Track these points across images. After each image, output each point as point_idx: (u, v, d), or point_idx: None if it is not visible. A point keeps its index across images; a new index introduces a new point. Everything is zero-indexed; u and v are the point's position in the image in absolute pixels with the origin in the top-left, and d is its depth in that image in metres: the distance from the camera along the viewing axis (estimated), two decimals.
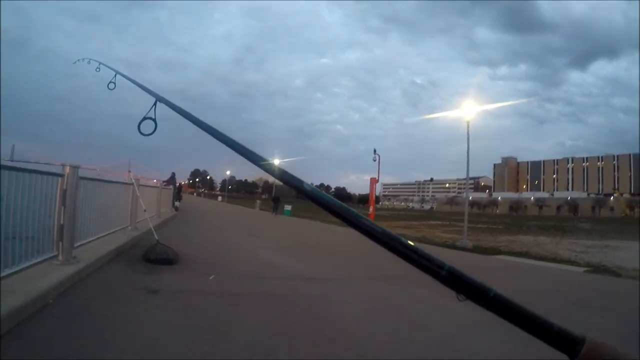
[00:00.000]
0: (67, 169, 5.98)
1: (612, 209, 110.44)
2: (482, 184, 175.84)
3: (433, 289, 5.91)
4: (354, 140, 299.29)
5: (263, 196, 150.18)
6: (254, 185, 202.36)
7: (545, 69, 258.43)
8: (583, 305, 7.31)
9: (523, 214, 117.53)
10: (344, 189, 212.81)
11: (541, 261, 13.85)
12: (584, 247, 21.23)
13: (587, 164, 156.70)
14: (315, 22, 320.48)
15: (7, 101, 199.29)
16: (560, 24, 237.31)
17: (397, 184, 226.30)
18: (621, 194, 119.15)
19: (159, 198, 18.08)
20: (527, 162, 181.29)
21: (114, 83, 3.73)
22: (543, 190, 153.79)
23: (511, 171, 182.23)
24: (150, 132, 2.33)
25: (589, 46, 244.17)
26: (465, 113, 20.36)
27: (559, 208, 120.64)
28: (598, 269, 12.56)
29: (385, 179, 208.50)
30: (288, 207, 41.82)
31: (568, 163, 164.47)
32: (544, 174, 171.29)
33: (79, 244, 6.71)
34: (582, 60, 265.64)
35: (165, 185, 23.71)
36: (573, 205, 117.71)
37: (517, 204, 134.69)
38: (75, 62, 7.63)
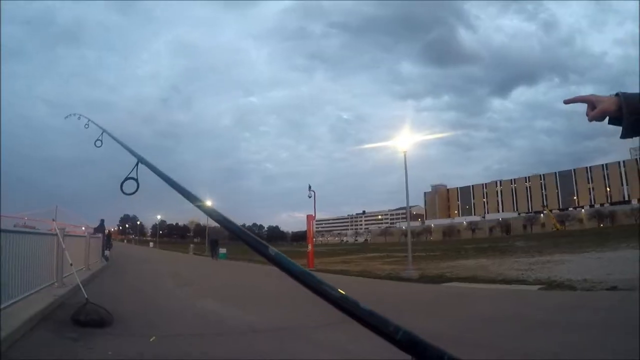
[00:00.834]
0: None
1: (543, 225, 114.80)
2: (414, 212, 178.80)
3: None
4: (283, 178, 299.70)
5: (195, 239, 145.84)
6: (185, 229, 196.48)
7: (468, 99, 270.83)
8: (567, 325, 6.90)
9: (457, 238, 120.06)
10: (277, 227, 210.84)
11: (491, 284, 13.47)
12: (527, 264, 21.15)
13: (515, 185, 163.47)
14: (241, 60, 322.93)
15: None
16: (481, 55, 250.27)
17: (329, 219, 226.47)
18: (550, 210, 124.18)
19: (87, 248, 16.49)
20: (457, 188, 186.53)
21: (101, 141, 3.91)
22: (474, 214, 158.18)
23: (442, 198, 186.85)
24: (132, 191, 2.45)
25: (508, 74, 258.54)
26: (400, 144, 20.93)
27: (491, 229, 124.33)
28: (550, 285, 12.31)
29: (317, 215, 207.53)
30: (223, 250, 40.33)
31: (497, 186, 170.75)
32: (474, 198, 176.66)
33: None
34: (503, 88, 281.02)
35: (93, 234, 22.22)
36: (505, 225, 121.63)
37: (450, 229, 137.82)
38: (67, 117, 6.79)
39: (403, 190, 20.89)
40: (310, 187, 27.97)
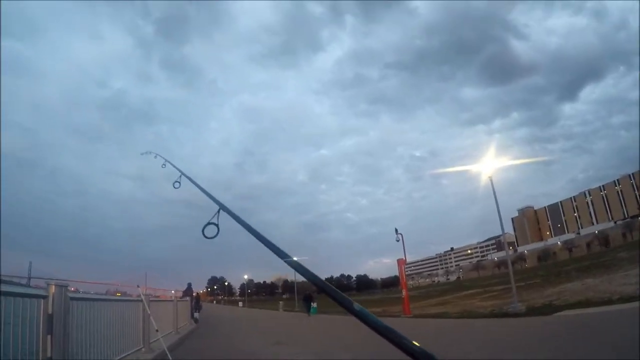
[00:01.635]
0: (53, 289, 4.92)
1: None
2: (504, 241, 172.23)
3: None
4: (365, 225, 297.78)
5: (284, 296, 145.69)
6: (273, 286, 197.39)
7: (537, 111, 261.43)
8: None
9: (553, 261, 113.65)
10: (365, 275, 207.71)
11: (609, 305, 12.24)
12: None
13: (605, 191, 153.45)
14: (306, 116, 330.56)
15: (20, 219, 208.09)
16: (539, 63, 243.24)
17: (417, 261, 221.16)
18: None
19: (175, 312, 16.67)
20: (545, 207, 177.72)
21: (179, 182, 4.17)
22: (568, 232, 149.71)
23: (530, 221, 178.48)
24: (213, 235, 2.70)
25: (572, 75, 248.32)
26: (484, 170, 20.62)
27: (588, 245, 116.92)
28: None
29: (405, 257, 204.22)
30: (313, 305, 38.83)
31: (586, 197, 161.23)
32: (564, 215, 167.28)
33: None
34: (570, 91, 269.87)
35: (182, 297, 22.68)
36: (603, 238, 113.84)
37: (544, 253, 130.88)
38: (142, 154, 7.22)
39: (488, 220, 20.30)
40: (397, 230, 27.54)
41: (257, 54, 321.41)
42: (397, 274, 28.46)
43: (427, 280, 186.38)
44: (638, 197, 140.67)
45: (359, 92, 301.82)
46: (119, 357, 7.94)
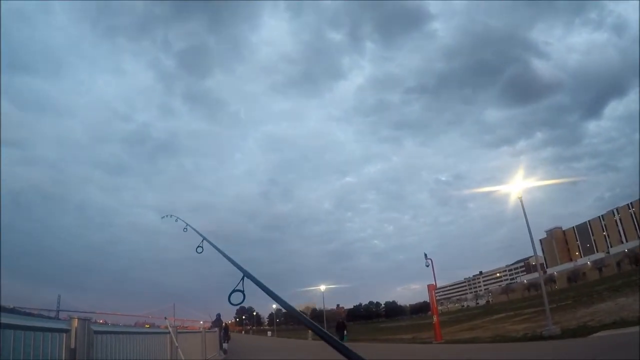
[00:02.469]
0: (75, 322, 4.83)
1: None
2: (533, 263, 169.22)
3: None
4: (392, 252, 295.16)
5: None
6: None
7: (561, 130, 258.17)
8: None
9: (583, 281, 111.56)
10: (394, 302, 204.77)
11: None
12: None
13: (634, 209, 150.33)
14: (330, 143, 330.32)
15: (47, 253, 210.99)
16: (562, 81, 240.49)
17: (446, 286, 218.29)
18: None
19: (204, 342, 16.66)
20: (573, 227, 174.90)
21: (202, 247, 4.12)
22: (597, 251, 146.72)
23: (559, 242, 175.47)
24: (239, 302, 2.82)
25: (595, 92, 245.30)
26: (513, 191, 20.67)
27: (618, 264, 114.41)
28: None
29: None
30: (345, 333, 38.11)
31: (614, 215, 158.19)
32: (593, 235, 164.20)
33: None
34: (593, 108, 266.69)
35: (211, 328, 23.05)
36: (633, 256, 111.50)
37: (574, 274, 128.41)
38: (163, 218, 7.49)
39: (516, 243, 20.39)
40: (426, 255, 27.59)
41: (278, 84, 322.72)
42: (426, 299, 28.49)
43: (456, 305, 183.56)
44: None
45: (381, 117, 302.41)
46: None
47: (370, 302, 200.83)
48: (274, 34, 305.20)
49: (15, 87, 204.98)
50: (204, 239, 4.20)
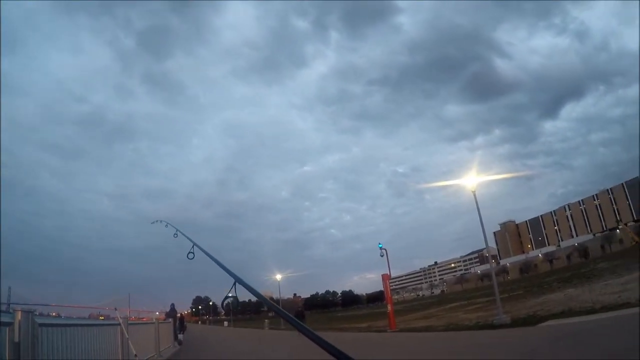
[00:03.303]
0: (19, 315, 4.58)
1: (621, 241, 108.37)
2: (487, 254, 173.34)
3: None
4: (349, 242, 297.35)
5: (270, 314, 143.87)
6: (258, 304, 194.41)
7: (519, 128, 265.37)
8: None
9: (535, 273, 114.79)
10: (350, 291, 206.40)
11: (592, 315, 12.43)
12: (619, 285, 19.97)
13: (585, 205, 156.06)
14: (289, 132, 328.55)
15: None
16: (522, 81, 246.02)
17: (401, 276, 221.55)
18: (626, 224, 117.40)
19: (157, 334, 16.16)
20: (526, 221, 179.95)
21: (193, 253, 4.00)
22: (548, 245, 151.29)
23: (512, 235, 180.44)
24: (234, 307, 3.88)
25: (553, 94, 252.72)
26: (468, 184, 20.86)
27: (568, 257, 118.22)
28: None
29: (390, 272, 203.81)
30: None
31: (566, 211, 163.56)
32: (545, 229, 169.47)
33: None
34: (551, 109, 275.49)
35: (165, 319, 22.57)
36: (582, 250, 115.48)
37: (526, 265, 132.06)
38: (153, 223, 7.12)
39: (471, 235, 20.71)
40: (381, 246, 27.79)
41: (240, 69, 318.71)
42: (382, 288, 28.55)
43: (412, 294, 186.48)
44: (616, 210, 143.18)
45: (342, 108, 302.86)
46: None
47: (327, 291, 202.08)
48: (238, 17, 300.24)
49: None
50: (194, 244, 4.11)
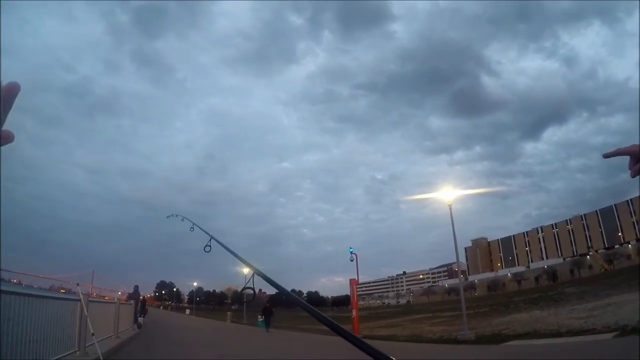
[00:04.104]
0: None
1: (590, 267, 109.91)
2: (456, 269, 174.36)
3: None
4: (320, 243, 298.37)
5: (233, 307, 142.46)
6: (222, 296, 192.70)
7: (499, 146, 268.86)
8: None
9: (502, 291, 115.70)
10: (316, 292, 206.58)
11: (557, 338, 12.20)
12: (586, 311, 19.84)
13: (557, 229, 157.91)
14: (273, 126, 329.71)
15: None
16: (507, 100, 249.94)
17: (369, 282, 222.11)
18: (596, 251, 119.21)
19: (117, 315, 15.60)
20: (498, 239, 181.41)
21: (210, 246, 4.07)
22: (518, 265, 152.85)
23: (483, 252, 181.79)
24: (250, 299, 3.17)
25: (537, 116, 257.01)
26: (445, 197, 20.57)
27: (537, 278, 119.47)
28: (624, 330, 10.99)
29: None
30: (260, 318, 35.03)
31: (538, 233, 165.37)
32: (516, 249, 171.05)
33: None
34: (533, 130, 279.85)
35: (127, 300, 22.21)
36: (551, 273, 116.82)
37: (494, 283, 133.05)
38: (168, 217, 6.71)
39: (442, 248, 20.52)
40: (351, 250, 27.58)
41: (230, 58, 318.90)
42: (348, 293, 28.27)
43: (378, 302, 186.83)
44: (588, 237, 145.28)
45: (327, 108, 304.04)
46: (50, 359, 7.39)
47: (293, 290, 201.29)
48: (235, 7, 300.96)
49: None
50: (212, 237, 4.05)
